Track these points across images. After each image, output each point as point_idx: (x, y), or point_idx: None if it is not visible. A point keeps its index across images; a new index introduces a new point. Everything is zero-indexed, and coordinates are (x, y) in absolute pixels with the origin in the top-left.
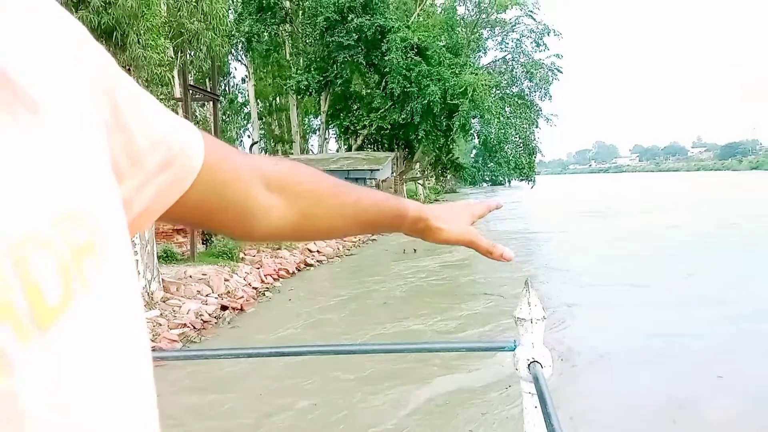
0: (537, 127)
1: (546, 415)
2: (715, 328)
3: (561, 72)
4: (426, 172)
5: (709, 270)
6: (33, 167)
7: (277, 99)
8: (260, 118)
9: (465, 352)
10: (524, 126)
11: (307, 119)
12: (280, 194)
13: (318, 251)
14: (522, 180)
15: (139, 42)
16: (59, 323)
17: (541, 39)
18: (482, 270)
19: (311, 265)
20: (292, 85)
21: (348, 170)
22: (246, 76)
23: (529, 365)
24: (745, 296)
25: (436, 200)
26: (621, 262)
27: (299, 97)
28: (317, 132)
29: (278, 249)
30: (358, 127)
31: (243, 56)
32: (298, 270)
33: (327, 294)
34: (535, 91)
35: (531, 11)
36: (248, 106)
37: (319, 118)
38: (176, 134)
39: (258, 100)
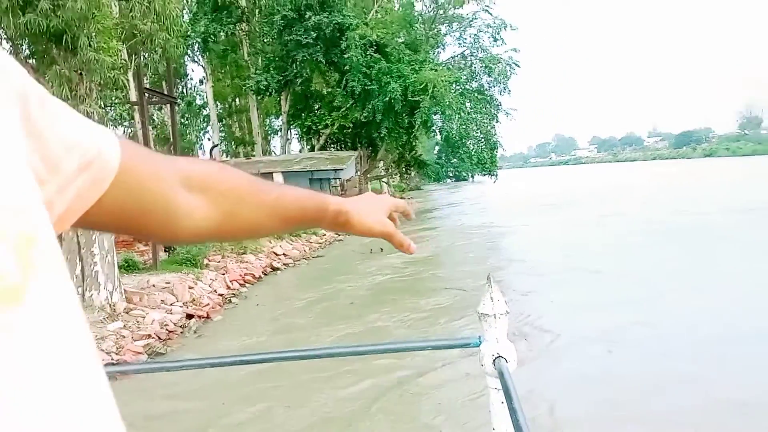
0: (497, 121)
1: (512, 410)
2: (656, 310)
3: (518, 66)
4: (390, 170)
5: (650, 255)
6: None
7: (237, 100)
8: (220, 120)
9: (431, 350)
10: (485, 121)
11: (268, 120)
12: (202, 194)
13: (284, 254)
14: (485, 175)
15: (90, 45)
16: (21, 304)
17: (498, 34)
18: (446, 265)
19: (278, 269)
20: (252, 86)
21: (312, 170)
22: (204, 77)
23: (494, 360)
24: (682, 281)
25: (402, 197)
26: (575, 251)
27: (259, 97)
28: (279, 133)
29: (244, 254)
30: (320, 127)
31: (200, 57)
32: (265, 274)
33: (294, 297)
34: (494, 86)
35: (487, 6)
36: (207, 108)
37: (281, 118)
38: (91, 138)
39: (217, 102)
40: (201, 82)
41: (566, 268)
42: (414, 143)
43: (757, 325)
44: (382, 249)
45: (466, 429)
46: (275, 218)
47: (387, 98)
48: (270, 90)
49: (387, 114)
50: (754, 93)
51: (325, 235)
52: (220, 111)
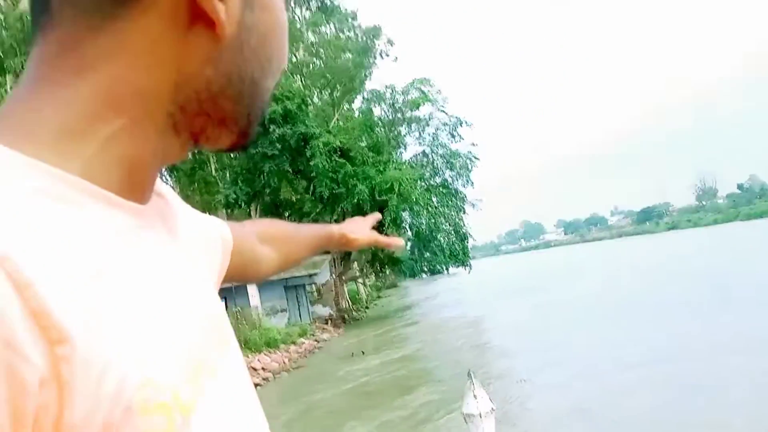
0: (464, 213)
1: None
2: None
3: (478, 159)
4: (365, 270)
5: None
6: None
7: (206, 214)
8: None
9: None
10: (452, 214)
11: None
12: (269, 244)
13: (263, 368)
14: (458, 266)
15: None
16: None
17: (455, 130)
18: (428, 359)
19: (257, 385)
20: (221, 200)
21: (286, 278)
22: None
23: None
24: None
25: (379, 296)
26: (538, 333)
27: (229, 210)
28: None
29: None
30: None
31: (168, 177)
32: None
33: (273, 415)
34: (457, 180)
35: (442, 107)
36: None
37: None
38: (219, 227)
39: None
40: None
41: (527, 350)
42: None
43: None
44: (363, 352)
45: None
46: (307, 249)
47: (355, 200)
48: (239, 202)
49: (356, 215)
50: (704, 166)
51: (304, 343)
52: None
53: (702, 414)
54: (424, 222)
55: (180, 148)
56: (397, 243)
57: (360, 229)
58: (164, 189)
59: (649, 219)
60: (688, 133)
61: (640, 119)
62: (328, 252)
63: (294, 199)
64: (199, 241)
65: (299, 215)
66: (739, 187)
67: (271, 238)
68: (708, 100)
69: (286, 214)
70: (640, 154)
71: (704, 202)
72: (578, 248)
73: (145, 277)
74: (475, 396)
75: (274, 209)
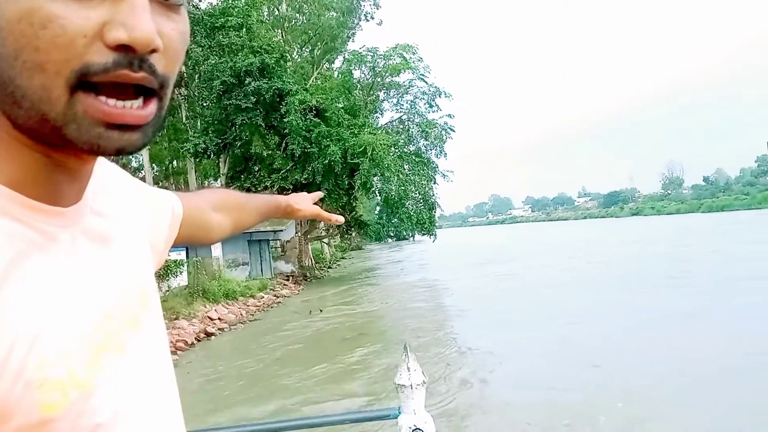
0: (435, 183)
1: None
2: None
3: (453, 131)
4: (331, 231)
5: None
6: (113, 273)
7: (174, 162)
8: (156, 183)
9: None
10: (423, 182)
11: (206, 182)
12: (220, 212)
13: (219, 318)
14: (424, 234)
15: None
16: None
17: (433, 100)
18: (385, 318)
19: (212, 334)
20: (190, 149)
21: (251, 232)
22: None
23: None
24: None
25: (343, 258)
26: (493, 301)
27: (197, 160)
28: None
29: (176, 319)
30: (259, 189)
31: None
32: (198, 340)
33: (226, 364)
34: (430, 149)
35: (423, 75)
36: (143, 171)
37: (219, 180)
38: (170, 198)
39: (153, 164)
40: None
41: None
42: (354, 204)
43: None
44: (321, 310)
45: None
46: (257, 216)
47: (327, 161)
48: (209, 152)
49: (327, 176)
50: (673, 155)
51: (263, 297)
52: (157, 173)
53: (625, 378)
54: (393, 188)
55: (55, 157)
56: (337, 219)
57: (304, 202)
58: (108, 170)
59: (614, 203)
60: (661, 123)
61: (615, 105)
62: (343, 250)
63: (265, 154)
64: (143, 216)
65: (269, 171)
66: (705, 179)
67: (223, 205)
68: (684, 91)
69: (255, 168)
70: (612, 139)
71: (670, 191)
72: (543, 225)
73: (51, 277)
74: (408, 368)
75: (244, 163)
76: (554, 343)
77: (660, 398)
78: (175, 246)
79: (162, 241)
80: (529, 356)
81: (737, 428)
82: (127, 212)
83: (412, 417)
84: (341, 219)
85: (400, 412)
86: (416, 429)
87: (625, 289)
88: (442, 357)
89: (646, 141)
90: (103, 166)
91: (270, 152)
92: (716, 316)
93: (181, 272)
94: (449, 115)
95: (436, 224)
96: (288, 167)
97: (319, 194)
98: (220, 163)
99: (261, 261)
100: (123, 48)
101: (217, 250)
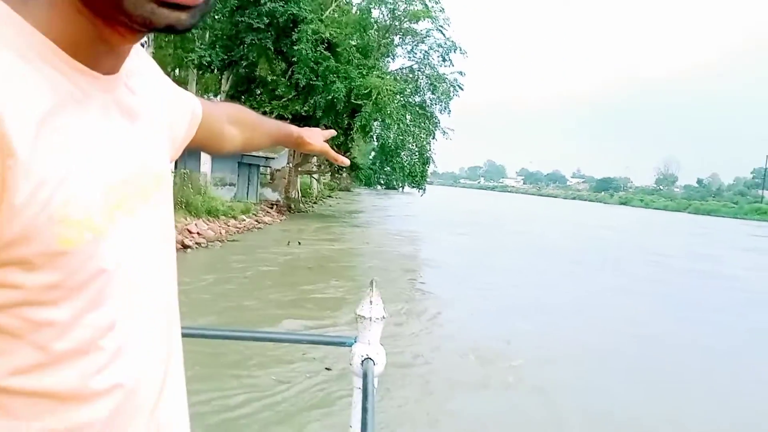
0: (434, 138)
1: (364, 409)
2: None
3: (462, 89)
4: (322, 168)
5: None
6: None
7: (177, 71)
8: None
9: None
10: (422, 136)
11: (206, 96)
12: (235, 126)
13: (199, 233)
14: (414, 187)
15: None
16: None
17: (447, 54)
18: (352, 257)
19: (188, 247)
20: (194, 60)
21: (242, 154)
22: (145, 41)
23: (362, 361)
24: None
25: (329, 196)
26: (466, 259)
27: (200, 72)
28: None
29: None
30: (258, 113)
31: None
32: None
33: (197, 277)
34: (435, 104)
35: (441, 26)
36: None
37: (219, 97)
38: (191, 99)
39: None
40: (142, 44)
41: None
42: (350, 145)
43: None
44: (300, 243)
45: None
46: (269, 138)
47: (330, 96)
48: (213, 67)
49: (328, 112)
50: (673, 151)
51: (245, 220)
52: None
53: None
54: (392, 136)
55: (100, 29)
56: (343, 160)
57: (316, 137)
58: (143, 57)
59: (606, 189)
60: (667, 115)
61: (623, 88)
62: (331, 189)
63: (269, 79)
64: (167, 109)
65: (270, 96)
66: (699, 182)
67: (239, 120)
68: (696, 87)
69: (258, 92)
70: (616, 123)
71: (662, 187)
72: (533, 199)
73: (84, 131)
74: (371, 302)
75: (246, 84)
76: (497, 300)
77: (567, 341)
78: (189, 149)
79: (180, 137)
80: (474, 305)
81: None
82: (155, 99)
83: (366, 347)
84: (347, 161)
85: (355, 341)
86: (368, 358)
87: (575, 264)
88: (403, 296)
89: (649, 132)
90: (139, 53)
91: (275, 78)
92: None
93: None
94: (460, 72)
95: (428, 179)
96: (290, 96)
97: (332, 132)
98: (223, 80)
99: (248, 184)
100: None
101: (205, 166)
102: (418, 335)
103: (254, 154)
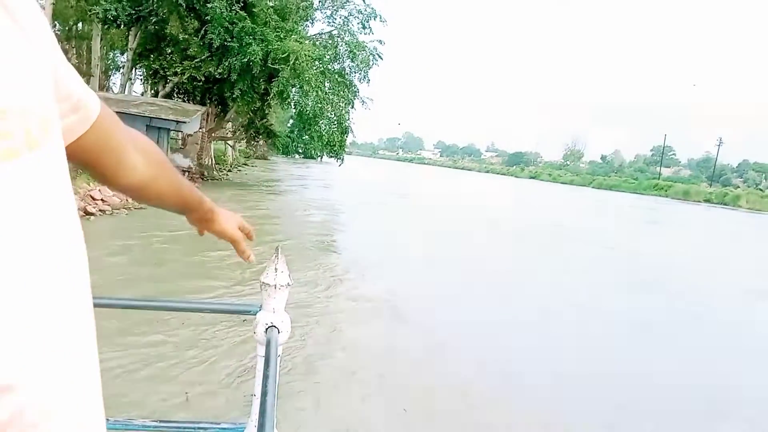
0: (352, 107)
1: (265, 376)
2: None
3: (381, 58)
4: (237, 134)
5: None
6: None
7: (80, 25)
8: None
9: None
10: (341, 104)
11: (111, 54)
12: (142, 156)
13: (102, 200)
14: (332, 157)
15: None
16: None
17: (367, 22)
18: (264, 223)
19: (92, 214)
20: (99, 13)
21: (151, 117)
22: None
23: (266, 329)
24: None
25: (245, 164)
26: (378, 227)
27: (105, 27)
28: (121, 70)
29: None
30: (168, 73)
31: None
32: None
33: (95, 246)
34: (355, 72)
35: None
36: None
37: (126, 55)
38: (82, 92)
39: (56, 22)
40: None
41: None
42: (267, 111)
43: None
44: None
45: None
46: (175, 195)
47: (246, 59)
48: (119, 22)
49: (243, 75)
50: (579, 127)
51: None
52: (58, 33)
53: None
54: (310, 104)
55: None
56: (249, 258)
57: (229, 221)
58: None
59: (517, 163)
60: (579, 93)
61: (540, 62)
62: (247, 156)
63: (181, 37)
64: (52, 52)
65: (182, 56)
66: (602, 158)
67: (147, 152)
68: (609, 66)
69: (168, 51)
70: (532, 98)
71: (569, 162)
72: (447, 171)
73: None
74: (276, 269)
75: (156, 42)
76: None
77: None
78: (70, 159)
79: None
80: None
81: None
82: (40, 29)
83: (270, 315)
84: (252, 259)
85: (260, 309)
86: (272, 326)
87: (456, 232)
88: (314, 261)
89: (561, 109)
90: None
91: (186, 37)
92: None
93: None
94: (380, 41)
95: (346, 150)
96: (203, 57)
97: (250, 228)
98: (130, 37)
99: None
100: None
101: None
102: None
103: (164, 116)
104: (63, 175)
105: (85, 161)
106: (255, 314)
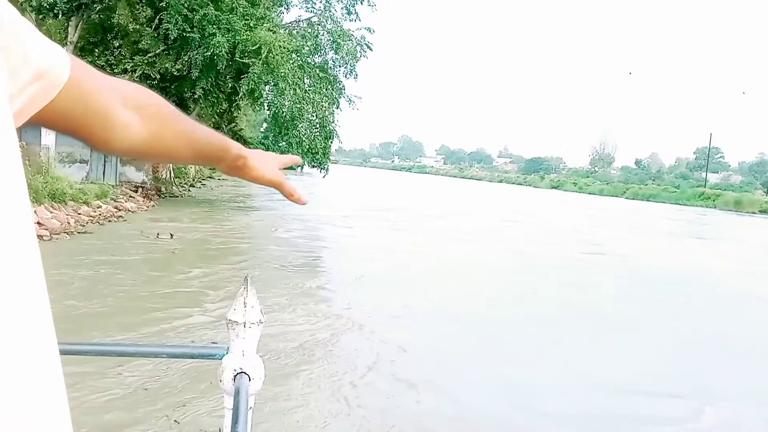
0: (338, 107)
1: None
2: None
3: (371, 49)
4: None
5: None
6: None
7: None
8: None
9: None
10: (323, 104)
11: None
12: (135, 112)
13: (39, 223)
14: (314, 166)
15: None
16: None
17: (353, 6)
18: (230, 250)
19: None
20: (32, 1)
21: None
22: None
23: (234, 376)
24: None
25: (211, 177)
26: (365, 253)
27: (41, 17)
28: None
29: None
30: (117, 70)
31: None
32: None
33: None
34: (339, 66)
35: None
36: None
37: (66, 49)
38: (46, 54)
39: None
40: None
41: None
42: (235, 114)
43: None
44: (172, 235)
45: None
46: (188, 148)
47: (209, 53)
48: (57, 10)
49: (206, 72)
50: (608, 128)
51: (101, 207)
52: None
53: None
54: (287, 104)
55: None
56: (301, 198)
57: (266, 162)
58: None
59: (536, 170)
60: (606, 88)
61: (556, 54)
62: (213, 168)
63: (131, 28)
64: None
65: (132, 51)
66: (637, 163)
67: (142, 106)
68: (639, 59)
69: (115, 44)
70: (548, 95)
71: (597, 168)
72: (454, 181)
73: None
74: (245, 304)
75: (101, 34)
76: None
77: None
78: (51, 127)
79: (16, 90)
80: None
81: None
82: None
83: (239, 359)
84: (304, 199)
85: (226, 353)
86: (241, 372)
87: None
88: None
89: (585, 106)
90: None
91: (138, 27)
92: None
93: None
94: (368, 29)
95: (331, 158)
96: (158, 51)
97: (295, 159)
98: (70, 28)
99: (105, 162)
100: None
101: (48, 137)
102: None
103: None
104: (12, 177)
105: (63, 128)
106: (221, 358)
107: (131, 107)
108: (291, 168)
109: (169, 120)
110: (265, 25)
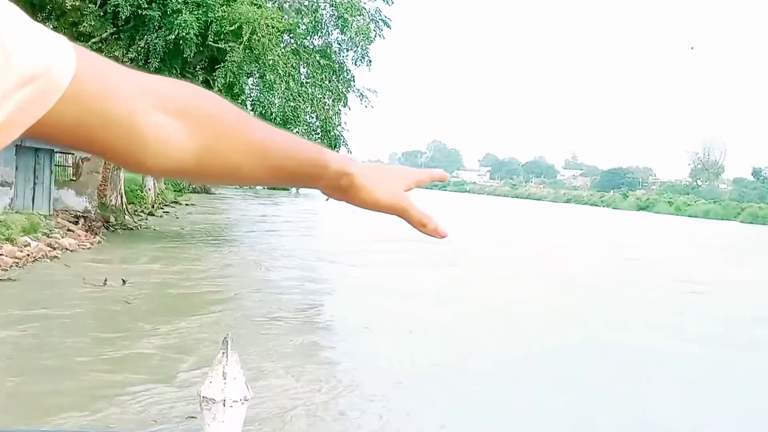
0: (346, 105)
1: None
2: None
3: (389, 26)
4: None
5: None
6: None
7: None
8: None
9: None
10: (326, 100)
11: None
12: (177, 119)
13: None
14: None
15: None
16: None
17: None
18: (213, 304)
19: None
20: None
21: (21, 136)
22: None
23: None
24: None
25: (176, 202)
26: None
27: None
28: None
29: None
30: None
31: None
32: None
33: None
34: (347, 50)
35: None
36: None
37: None
38: (41, 51)
39: None
40: None
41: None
42: None
43: None
44: (124, 281)
45: None
46: (262, 165)
47: (173, 36)
48: None
49: (170, 61)
50: (714, 128)
51: (29, 245)
52: None
53: None
54: (277, 102)
55: None
56: (442, 231)
57: (386, 180)
58: None
59: (615, 186)
60: (706, 79)
61: (638, 38)
62: (178, 190)
63: (69, 5)
64: None
65: (70, 35)
66: (755, 173)
67: (187, 111)
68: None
69: (49, 26)
70: (627, 90)
71: (700, 182)
72: (504, 202)
73: None
74: (224, 374)
75: (31, 13)
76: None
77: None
78: (59, 142)
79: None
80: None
81: None
82: None
83: None
84: (444, 232)
85: None
86: None
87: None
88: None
89: (682, 101)
90: None
91: (78, 4)
92: None
93: None
94: (386, 0)
95: None
96: (105, 34)
97: (438, 174)
98: None
99: (35, 185)
100: None
101: None
102: None
103: None
104: None
105: (73, 143)
106: None
107: (172, 112)
108: (284, 188)
109: (230, 127)
110: None
